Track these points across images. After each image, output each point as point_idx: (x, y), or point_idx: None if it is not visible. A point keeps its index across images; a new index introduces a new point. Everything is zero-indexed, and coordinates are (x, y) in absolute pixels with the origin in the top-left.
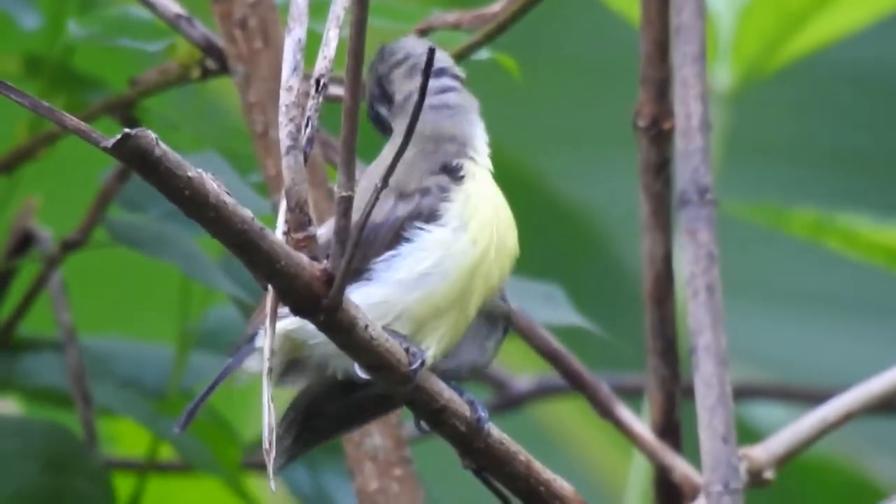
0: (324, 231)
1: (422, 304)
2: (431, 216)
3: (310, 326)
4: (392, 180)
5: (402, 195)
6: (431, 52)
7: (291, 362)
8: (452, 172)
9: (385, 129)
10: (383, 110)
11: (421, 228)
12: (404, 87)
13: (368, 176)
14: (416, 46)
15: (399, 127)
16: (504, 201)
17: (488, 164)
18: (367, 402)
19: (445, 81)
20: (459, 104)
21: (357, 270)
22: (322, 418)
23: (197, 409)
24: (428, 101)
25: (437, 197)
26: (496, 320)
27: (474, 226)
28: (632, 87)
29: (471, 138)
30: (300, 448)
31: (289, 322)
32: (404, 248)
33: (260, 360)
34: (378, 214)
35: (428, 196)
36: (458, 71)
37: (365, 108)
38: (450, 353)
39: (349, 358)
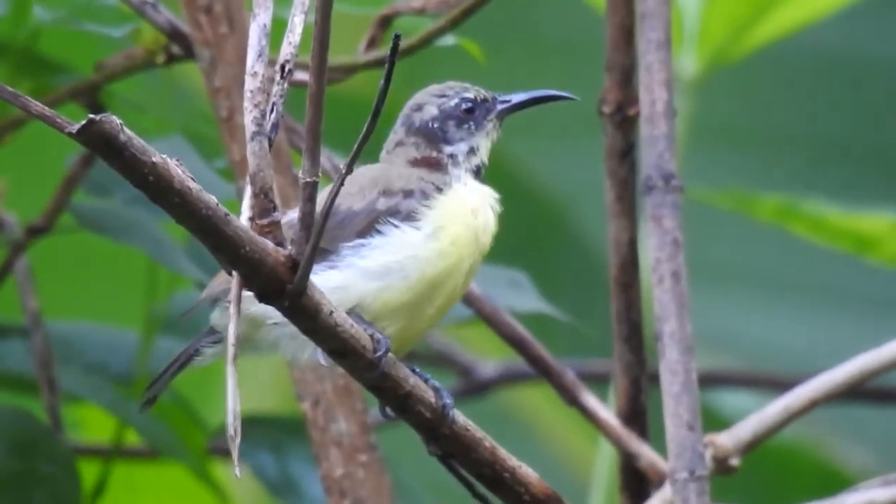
0: (288, 219)
1: (376, 297)
2: (408, 217)
3: (271, 311)
4: (381, 178)
5: (386, 192)
6: (397, 38)
7: (251, 342)
8: (438, 184)
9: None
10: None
11: (395, 225)
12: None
13: (356, 181)
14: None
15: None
16: (487, 224)
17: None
18: None
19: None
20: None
21: (324, 255)
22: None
23: (158, 388)
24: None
25: (419, 201)
26: None
27: (445, 238)
28: (598, 73)
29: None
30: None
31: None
32: (375, 240)
33: (218, 338)
34: (357, 203)
35: (410, 198)
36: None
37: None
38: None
39: (302, 343)
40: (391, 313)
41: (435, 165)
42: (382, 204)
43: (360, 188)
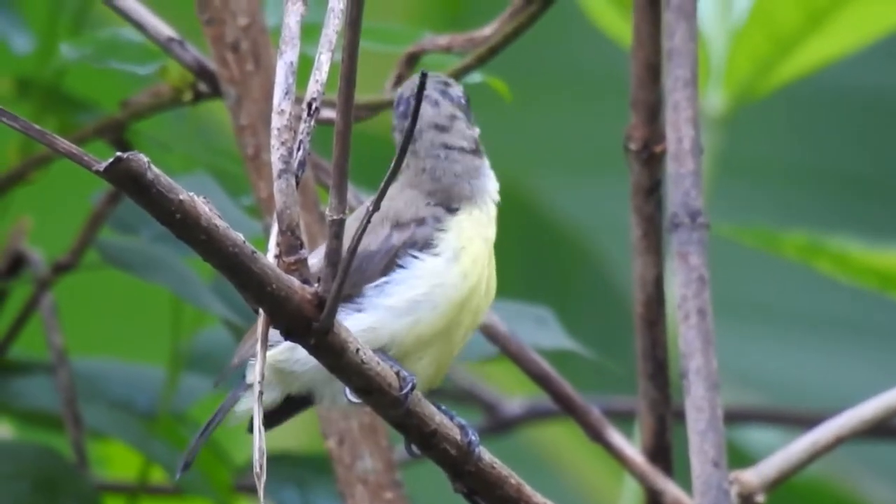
0: (315, 261)
1: (408, 332)
2: (426, 245)
3: (297, 355)
4: (390, 211)
5: (398, 224)
6: (424, 76)
7: (283, 393)
8: (451, 206)
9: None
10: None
11: (415, 257)
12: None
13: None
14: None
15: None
16: (491, 242)
17: (491, 208)
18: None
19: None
20: (470, 166)
21: (348, 297)
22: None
23: (196, 449)
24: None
25: (432, 227)
26: None
27: (466, 259)
28: (624, 109)
29: (477, 194)
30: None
31: (276, 351)
32: (397, 275)
33: (251, 397)
34: (373, 243)
35: (423, 226)
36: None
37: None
38: (433, 387)
39: (334, 385)
40: (424, 344)
41: (477, 151)
42: (397, 238)
43: (371, 226)
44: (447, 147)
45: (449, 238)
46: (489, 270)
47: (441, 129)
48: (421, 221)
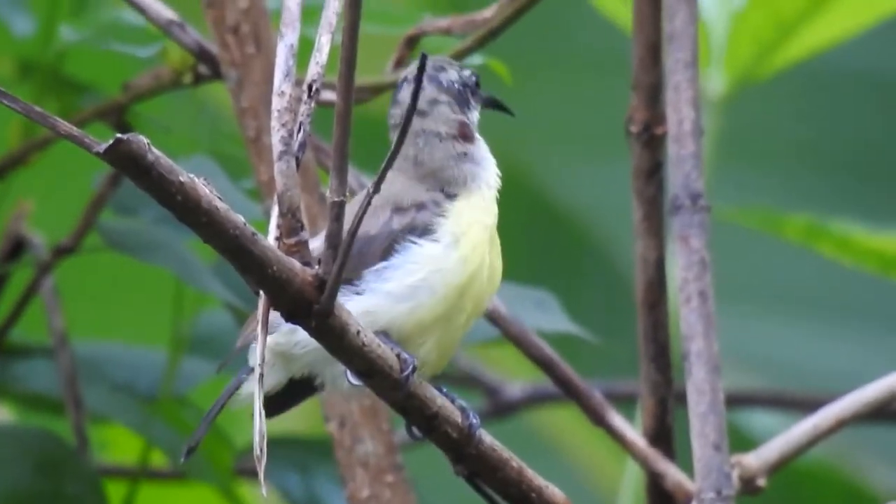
0: (317, 244)
1: (407, 317)
2: (425, 231)
3: (297, 337)
4: (389, 195)
5: (398, 209)
6: (423, 58)
7: (284, 375)
8: (448, 192)
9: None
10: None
11: (414, 242)
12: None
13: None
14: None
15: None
16: (494, 226)
17: (487, 194)
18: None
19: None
20: (459, 152)
21: (348, 281)
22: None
23: (201, 434)
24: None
25: (432, 212)
26: None
27: (466, 245)
28: (625, 91)
29: (473, 180)
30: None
31: (277, 335)
32: (396, 260)
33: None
34: (372, 227)
35: (423, 211)
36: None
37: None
38: (436, 373)
39: (335, 367)
40: (425, 330)
41: (469, 137)
42: (397, 222)
43: (372, 210)
44: (424, 132)
45: (448, 224)
46: (492, 257)
47: (421, 114)
48: (421, 206)
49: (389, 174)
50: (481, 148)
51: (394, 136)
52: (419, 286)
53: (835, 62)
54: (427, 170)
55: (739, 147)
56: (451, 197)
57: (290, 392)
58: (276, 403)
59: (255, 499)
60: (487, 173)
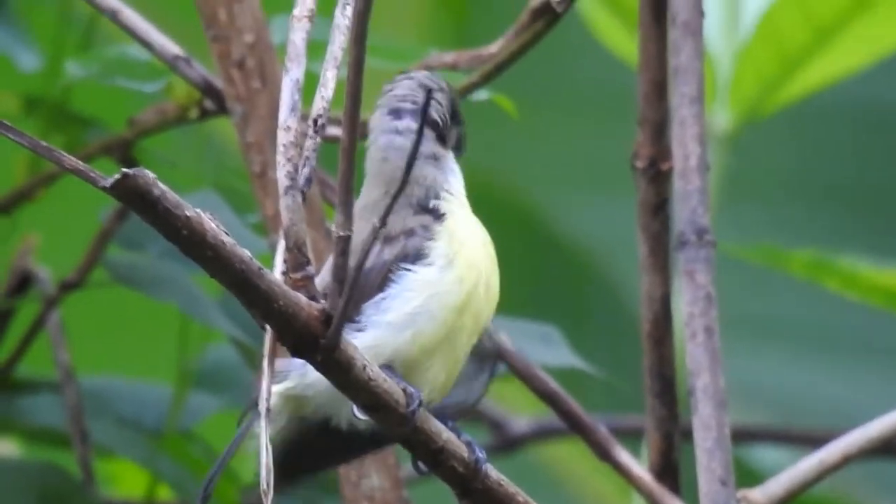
0: (321, 277)
1: (411, 345)
2: (418, 256)
3: (308, 380)
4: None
5: (387, 239)
6: (429, 93)
7: (294, 417)
8: (433, 212)
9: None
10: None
11: (408, 269)
12: (378, 123)
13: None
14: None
15: (368, 168)
16: (488, 238)
17: (465, 203)
18: (358, 439)
19: (408, 123)
20: (428, 152)
21: (349, 318)
22: (312, 453)
23: (213, 482)
24: (387, 140)
25: (422, 237)
26: (484, 359)
27: (460, 263)
28: (631, 127)
29: (440, 182)
30: (288, 480)
31: (287, 383)
32: (393, 290)
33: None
34: (366, 260)
35: (413, 237)
36: (442, 116)
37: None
38: (445, 393)
39: (344, 406)
40: (429, 354)
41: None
42: (389, 253)
43: (361, 244)
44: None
45: (440, 246)
46: (488, 272)
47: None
48: (410, 233)
49: (370, 206)
50: (451, 160)
51: (371, 165)
52: (418, 312)
53: (840, 97)
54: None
55: (745, 182)
56: (439, 218)
57: (312, 458)
58: (296, 467)
59: None
60: (457, 181)
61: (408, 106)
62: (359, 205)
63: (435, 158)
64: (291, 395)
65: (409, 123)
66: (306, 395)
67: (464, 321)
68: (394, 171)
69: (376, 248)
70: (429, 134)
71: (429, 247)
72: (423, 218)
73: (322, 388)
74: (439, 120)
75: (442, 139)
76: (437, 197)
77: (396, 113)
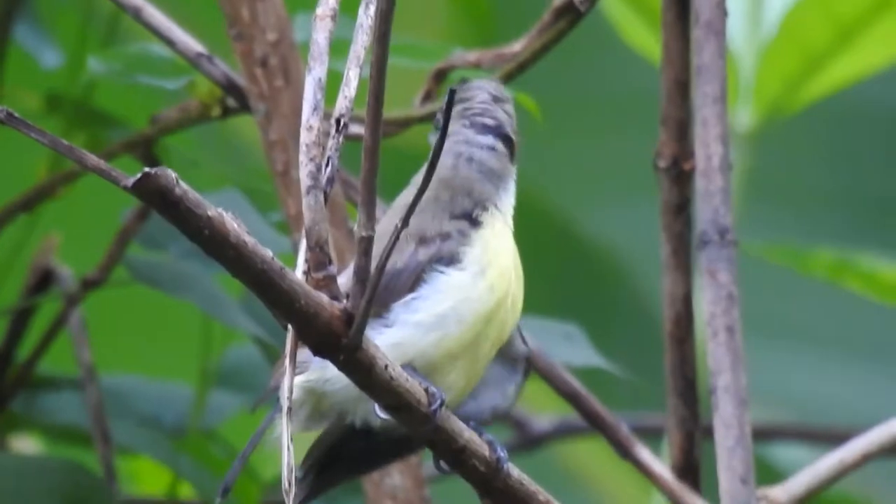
0: (344, 280)
1: (436, 347)
2: (452, 260)
3: (328, 374)
4: (413, 226)
5: (423, 240)
6: (452, 93)
7: (314, 413)
8: (472, 220)
9: None
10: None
11: (440, 272)
12: (460, 134)
13: (387, 219)
14: (491, 99)
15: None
16: (518, 259)
17: (509, 222)
18: (387, 444)
19: (492, 141)
20: (495, 168)
21: (377, 315)
22: (343, 458)
23: (235, 475)
24: (468, 152)
25: (458, 241)
26: (516, 363)
27: (492, 273)
28: (654, 126)
29: (492, 198)
30: (320, 487)
31: (308, 374)
32: (424, 291)
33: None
34: (399, 260)
35: (448, 240)
36: (512, 132)
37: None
38: (462, 400)
39: (366, 405)
40: (453, 358)
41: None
42: (423, 254)
43: (397, 244)
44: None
45: (475, 252)
46: (514, 286)
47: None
48: (446, 236)
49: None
50: (511, 179)
51: (441, 169)
52: (447, 314)
53: (863, 97)
54: (458, 188)
55: (768, 182)
56: (476, 225)
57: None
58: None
59: None
60: (508, 200)
61: (490, 122)
62: (400, 202)
63: (499, 177)
64: (309, 387)
65: (494, 142)
66: (325, 391)
67: (489, 330)
68: (464, 180)
69: (410, 249)
70: (502, 150)
71: (463, 252)
72: (461, 223)
73: (341, 385)
74: (512, 136)
75: (512, 156)
76: (484, 209)
77: (481, 128)
